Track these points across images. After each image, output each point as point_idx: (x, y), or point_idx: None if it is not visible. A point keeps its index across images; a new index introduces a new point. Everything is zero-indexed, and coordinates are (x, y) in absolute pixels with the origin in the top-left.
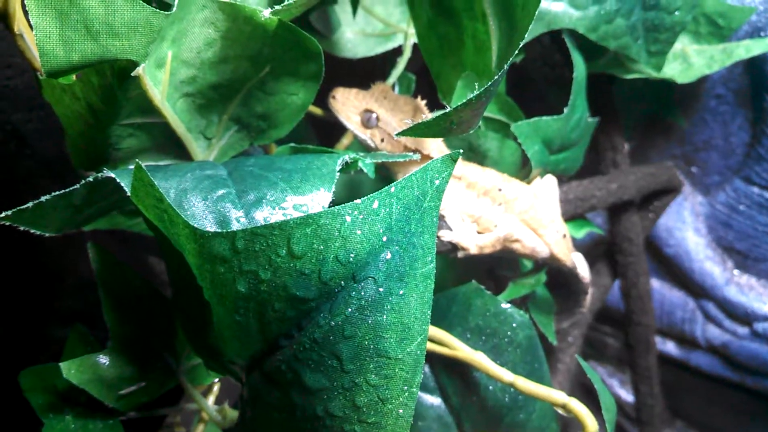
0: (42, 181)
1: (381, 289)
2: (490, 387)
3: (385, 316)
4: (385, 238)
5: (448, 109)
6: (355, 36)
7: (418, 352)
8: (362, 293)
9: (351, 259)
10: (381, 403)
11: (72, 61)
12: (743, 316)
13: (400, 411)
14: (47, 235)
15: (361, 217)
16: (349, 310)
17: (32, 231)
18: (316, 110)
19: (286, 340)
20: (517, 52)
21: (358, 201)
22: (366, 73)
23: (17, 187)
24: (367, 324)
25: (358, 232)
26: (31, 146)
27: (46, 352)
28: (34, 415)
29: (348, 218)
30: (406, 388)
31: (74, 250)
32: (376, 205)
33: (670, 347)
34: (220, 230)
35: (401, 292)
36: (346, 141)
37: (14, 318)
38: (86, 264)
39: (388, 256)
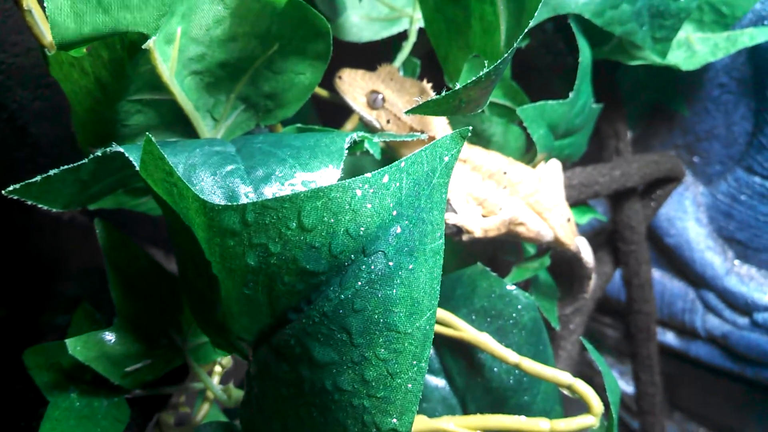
0: (42, 161)
1: (391, 263)
2: (495, 368)
3: (395, 290)
4: (395, 213)
5: (457, 87)
6: (361, 20)
7: (428, 326)
8: (372, 267)
9: (361, 232)
10: (390, 378)
11: (83, 34)
12: (743, 307)
13: (409, 386)
14: (54, 211)
15: (372, 191)
16: (359, 283)
17: (35, 213)
18: (322, 92)
19: (295, 314)
20: (523, 35)
21: (368, 175)
22: (371, 57)
23: (18, 167)
24: (377, 298)
25: (369, 205)
26: (30, 133)
27: (47, 339)
28: (36, 399)
29: (358, 192)
30: (415, 362)
31: (74, 237)
32: (386, 179)
33: (669, 338)
34: None
35: (411, 266)
36: (350, 125)
37: (14, 304)
38: (86, 250)
39: (398, 230)
